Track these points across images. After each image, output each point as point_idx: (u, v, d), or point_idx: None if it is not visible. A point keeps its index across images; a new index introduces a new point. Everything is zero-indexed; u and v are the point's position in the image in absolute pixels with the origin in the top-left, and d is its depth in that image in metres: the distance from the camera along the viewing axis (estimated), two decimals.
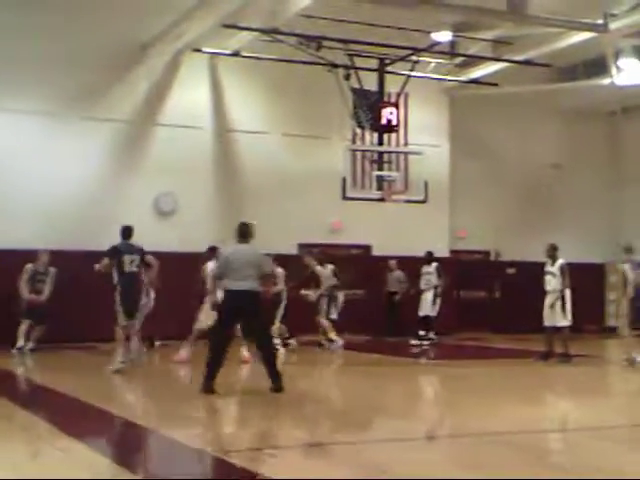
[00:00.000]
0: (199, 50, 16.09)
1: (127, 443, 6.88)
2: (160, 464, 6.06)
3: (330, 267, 15.19)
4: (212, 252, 11.90)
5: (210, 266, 11.00)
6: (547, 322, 12.83)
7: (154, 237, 15.14)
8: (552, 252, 13.08)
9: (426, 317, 16.04)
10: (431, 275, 16.13)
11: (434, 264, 16.25)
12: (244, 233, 9.14)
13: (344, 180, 14.94)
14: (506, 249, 19.92)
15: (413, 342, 15.78)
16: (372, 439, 7.00)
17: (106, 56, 15.91)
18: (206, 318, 10.97)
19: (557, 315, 12.73)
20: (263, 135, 17.20)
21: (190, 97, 16.67)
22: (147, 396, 9.85)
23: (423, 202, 15.95)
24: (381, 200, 15.65)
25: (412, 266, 16.94)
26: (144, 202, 16.23)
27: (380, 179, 15.59)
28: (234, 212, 17.02)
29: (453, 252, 19.22)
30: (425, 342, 15.70)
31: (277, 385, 8.75)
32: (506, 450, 6.33)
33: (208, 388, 8.66)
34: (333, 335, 14.81)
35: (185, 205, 16.56)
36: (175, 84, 16.62)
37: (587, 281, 18.68)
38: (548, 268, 13.00)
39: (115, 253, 10.76)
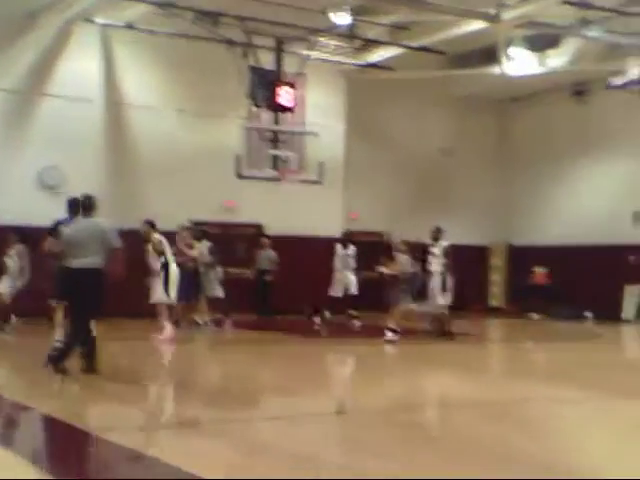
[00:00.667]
0: (91, 20, 15.54)
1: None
2: (33, 441, 5.90)
3: (206, 244, 14.58)
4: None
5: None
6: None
7: (38, 211, 14.64)
8: (436, 234, 13.42)
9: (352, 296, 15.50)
10: (349, 257, 15.72)
11: (352, 247, 15.71)
12: (87, 206, 8.61)
13: (239, 158, 14.84)
14: (398, 231, 20.29)
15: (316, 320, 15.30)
16: (259, 417, 7.03)
17: None
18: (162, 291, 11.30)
19: (437, 295, 13.11)
20: (157, 110, 16.84)
21: (80, 69, 16.07)
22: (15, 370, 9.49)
23: (318, 183, 16.08)
24: (276, 180, 15.67)
25: (305, 245, 17.04)
26: (27, 175, 15.62)
27: (275, 158, 15.58)
28: (125, 188, 16.71)
29: (345, 233, 19.40)
30: (356, 321, 15.30)
31: (91, 366, 8.33)
32: (386, 425, 6.49)
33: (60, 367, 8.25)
34: (199, 316, 14.22)
35: (72, 179, 15.99)
36: (64, 55, 15.99)
37: (472, 263, 19.38)
38: (431, 249, 13.33)
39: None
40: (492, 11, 14.99)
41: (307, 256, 17.22)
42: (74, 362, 8.41)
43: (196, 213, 17.06)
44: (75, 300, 8.51)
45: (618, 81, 17.08)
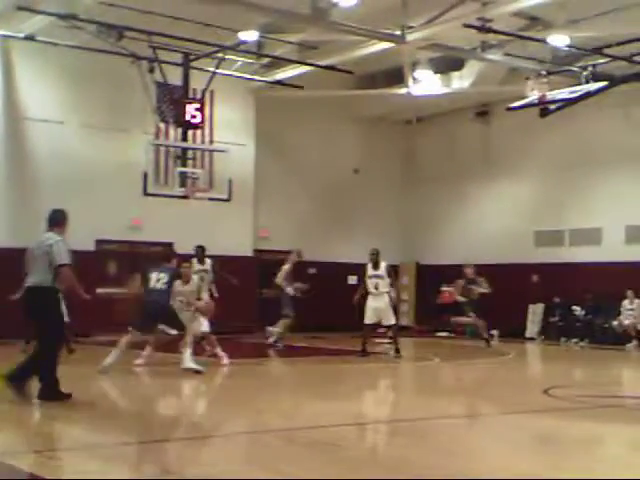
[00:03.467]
0: None
1: None
2: None
3: None
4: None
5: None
6: (369, 320, 13.41)
7: None
8: (375, 257, 13.64)
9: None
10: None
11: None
12: (51, 220, 8.20)
13: (145, 175, 14.58)
14: (308, 249, 20.32)
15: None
16: (165, 438, 6.84)
17: None
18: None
19: (388, 314, 13.43)
20: (60, 125, 16.42)
21: None
22: None
23: (227, 201, 15.96)
24: (184, 197, 15.45)
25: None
26: None
27: (183, 176, 15.40)
28: (26, 203, 16.15)
29: (257, 251, 19.37)
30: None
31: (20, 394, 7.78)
32: (299, 446, 6.42)
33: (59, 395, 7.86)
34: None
35: None
36: None
37: None
38: (372, 272, 13.50)
39: None
40: (398, 32, 15.32)
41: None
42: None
43: (102, 232, 16.68)
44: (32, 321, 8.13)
45: (517, 104, 17.68)
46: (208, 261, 14.01)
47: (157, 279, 10.68)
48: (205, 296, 12.48)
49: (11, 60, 16.04)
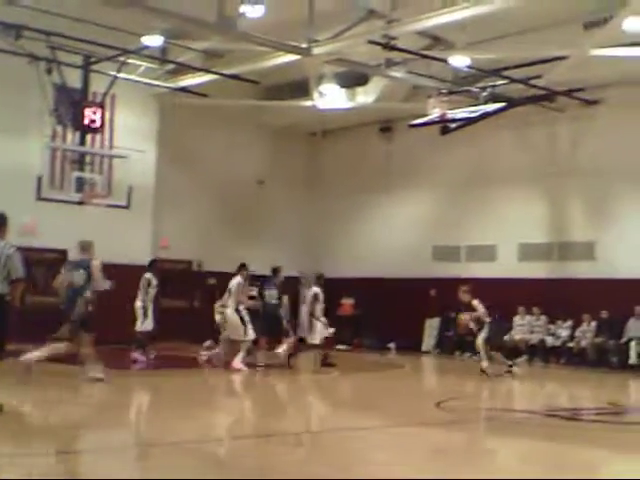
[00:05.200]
0: None
1: None
2: None
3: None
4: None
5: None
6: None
7: None
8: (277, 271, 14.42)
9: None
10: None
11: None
12: None
13: (40, 179, 14.09)
14: (208, 260, 20.10)
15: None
16: (51, 451, 6.57)
17: None
18: None
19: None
20: None
21: None
22: None
23: (126, 207, 15.60)
24: (80, 203, 15.00)
25: (115, 273, 16.33)
26: None
27: (80, 181, 14.95)
28: None
29: (154, 261, 18.92)
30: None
31: None
32: (186, 458, 6.28)
33: None
34: None
35: None
36: None
37: (289, 293, 19.45)
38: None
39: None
40: (304, 45, 15.37)
41: (117, 284, 16.52)
42: None
43: None
44: None
45: (419, 121, 18.07)
46: None
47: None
48: None
49: None
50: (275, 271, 14.55)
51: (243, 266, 13.60)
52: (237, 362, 12.88)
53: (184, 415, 8.57)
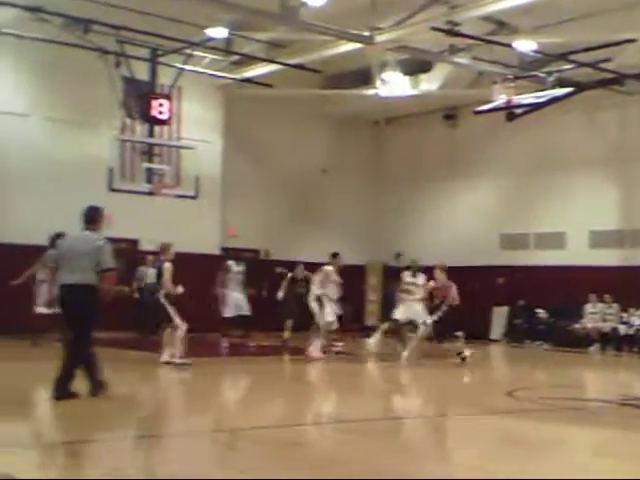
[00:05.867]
0: None
1: None
2: None
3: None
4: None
5: None
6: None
7: None
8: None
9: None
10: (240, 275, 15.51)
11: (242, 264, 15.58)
12: (87, 217, 8.01)
13: (111, 171, 14.42)
14: (275, 248, 20.28)
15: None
16: (126, 437, 6.75)
17: None
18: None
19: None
20: (24, 117, 16.14)
21: None
22: None
23: (194, 198, 15.84)
24: (150, 194, 15.30)
25: (184, 262, 16.62)
26: None
27: (150, 172, 15.24)
28: None
29: (224, 250, 19.23)
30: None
31: (60, 393, 7.74)
32: (254, 445, 6.37)
33: (61, 393, 7.70)
34: None
35: None
36: None
37: (349, 282, 19.53)
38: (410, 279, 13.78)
39: None
40: (366, 33, 15.33)
41: (186, 273, 16.79)
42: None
43: (66, 227, 16.39)
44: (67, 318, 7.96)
45: (484, 107, 17.82)
46: None
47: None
48: None
49: None
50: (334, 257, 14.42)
51: (336, 255, 13.59)
52: (313, 350, 12.95)
53: (252, 402, 8.65)
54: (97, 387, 7.89)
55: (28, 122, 16.16)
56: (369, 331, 20.53)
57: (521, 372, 13.48)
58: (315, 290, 13.29)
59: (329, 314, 13.21)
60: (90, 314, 7.91)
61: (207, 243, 18.21)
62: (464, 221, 20.52)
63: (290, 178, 20.56)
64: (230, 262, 14.90)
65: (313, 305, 13.21)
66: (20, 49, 15.51)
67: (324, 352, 13.18)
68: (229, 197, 19.29)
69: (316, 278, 13.35)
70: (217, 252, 18.76)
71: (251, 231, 19.73)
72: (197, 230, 18.06)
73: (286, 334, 14.42)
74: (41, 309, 12.72)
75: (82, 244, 7.89)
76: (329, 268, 13.42)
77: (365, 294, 22.08)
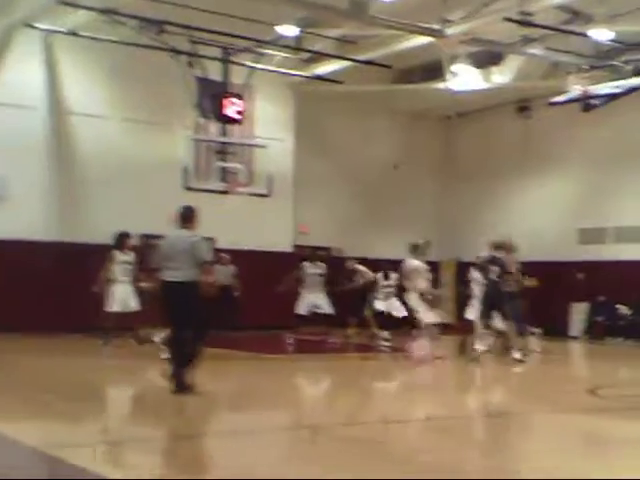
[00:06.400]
0: (32, 26, 15.21)
1: None
2: None
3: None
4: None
5: None
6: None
7: None
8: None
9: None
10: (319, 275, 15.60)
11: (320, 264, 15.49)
12: (183, 217, 8.37)
13: (186, 170, 14.65)
14: (347, 245, 20.26)
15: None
16: (210, 433, 6.84)
17: None
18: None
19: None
20: (102, 119, 16.56)
21: (23, 75, 15.80)
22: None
23: (267, 196, 15.96)
24: (224, 192, 15.49)
25: (257, 260, 16.84)
26: None
27: (223, 171, 15.43)
28: (70, 197, 16.39)
29: (296, 247, 19.33)
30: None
31: (179, 388, 7.96)
32: (337, 440, 6.36)
33: (179, 387, 7.94)
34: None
35: (16, 189, 15.64)
36: (6, 61, 15.68)
37: None
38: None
39: None
40: (437, 27, 15.18)
41: (258, 271, 16.98)
42: None
43: (142, 225, 16.77)
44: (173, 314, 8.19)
45: (560, 99, 17.43)
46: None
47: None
48: None
49: (54, 55, 16.21)
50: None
51: (418, 247, 13.59)
52: (417, 349, 12.98)
53: (331, 399, 8.67)
54: (185, 385, 7.99)
55: (105, 124, 16.57)
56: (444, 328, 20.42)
57: (602, 369, 13.13)
58: (411, 286, 13.17)
59: (427, 313, 13.06)
60: (199, 309, 8.09)
61: (279, 241, 18.33)
62: (539, 216, 20.11)
63: (361, 174, 20.53)
64: (305, 263, 14.89)
65: (414, 303, 13.02)
66: (96, 52, 15.90)
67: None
68: (301, 194, 19.38)
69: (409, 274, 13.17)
70: (289, 250, 18.87)
71: (322, 228, 19.78)
72: (269, 228, 18.21)
73: (351, 331, 14.37)
74: (113, 308, 12.96)
75: (180, 242, 8.19)
76: (417, 263, 13.20)
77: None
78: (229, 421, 7.42)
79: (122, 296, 12.75)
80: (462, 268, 21.53)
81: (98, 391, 9.08)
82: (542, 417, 7.90)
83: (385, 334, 14.15)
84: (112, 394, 9.34)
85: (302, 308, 14.71)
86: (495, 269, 12.53)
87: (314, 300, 14.71)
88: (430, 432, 6.86)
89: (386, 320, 14.47)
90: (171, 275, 8.07)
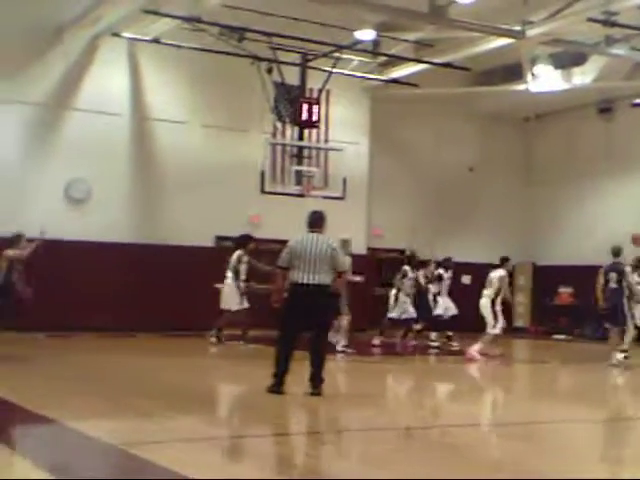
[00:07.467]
0: (118, 35, 15.70)
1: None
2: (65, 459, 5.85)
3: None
4: None
5: None
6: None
7: (65, 224, 14.96)
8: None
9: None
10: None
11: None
12: (314, 221, 8.49)
13: (263, 174, 14.87)
14: (421, 248, 20.16)
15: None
16: (281, 433, 6.96)
17: (20, 38, 15.40)
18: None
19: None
20: (182, 125, 16.95)
21: (107, 82, 16.29)
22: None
23: (342, 199, 16.04)
24: (300, 195, 15.64)
25: None
26: (55, 189, 15.82)
27: (299, 174, 15.59)
28: (150, 201, 16.86)
29: (370, 249, 19.38)
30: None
31: (317, 390, 8.15)
32: (401, 443, 6.40)
33: (274, 388, 8.16)
34: None
35: (99, 193, 16.19)
36: (92, 68, 16.20)
37: None
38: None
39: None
40: (517, 28, 14.98)
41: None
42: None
43: (221, 228, 17.12)
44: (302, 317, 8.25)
45: None
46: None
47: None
48: None
49: (138, 62, 16.68)
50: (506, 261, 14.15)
51: (506, 259, 13.65)
52: (473, 351, 12.99)
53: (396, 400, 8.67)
54: (318, 386, 8.16)
55: (186, 129, 16.96)
56: (518, 332, 20.13)
57: None
58: (489, 294, 13.17)
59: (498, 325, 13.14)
60: (331, 313, 8.33)
61: (354, 243, 18.34)
62: (619, 218, 19.53)
63: (436, 177, 20.40)
64: (406, 267, 15.04)
65: (487, 312, 13.09)
66: (178, 59, 16.28)
67: (483, 354, 13.02)
68: (375, 197, 19.40)
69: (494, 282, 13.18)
70: (364, 252, 18.91)
71: (396, 231, 19.73)
72: (344, 231, 18.19)
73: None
74: (232, 306, 13.51)
75: (318, 246, 8.21)
76: (502, 272, 13.28)
77: (513, 295, 21.53)
78: (298, 421, 7.51)
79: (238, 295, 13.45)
80: (538, 271, 21.27)
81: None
82: (615, 424, 7.74)
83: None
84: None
85: (395, 312, 14.84)
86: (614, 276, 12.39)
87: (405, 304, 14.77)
88: (512, 439, 6.79)
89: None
90: (308, 277, 8.10)
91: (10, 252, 11.31)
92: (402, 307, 14.57)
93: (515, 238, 21.15)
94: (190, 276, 16.13)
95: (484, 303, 13.14)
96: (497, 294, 13.03)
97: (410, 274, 14.81)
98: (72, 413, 7.09)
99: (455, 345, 14.66)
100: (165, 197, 16.91)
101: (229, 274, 13.77)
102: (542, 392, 10.63)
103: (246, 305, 13.58)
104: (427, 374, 12.33)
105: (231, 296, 13.62)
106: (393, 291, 14.84)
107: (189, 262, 16.36)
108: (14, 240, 11.55)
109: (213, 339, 13.75)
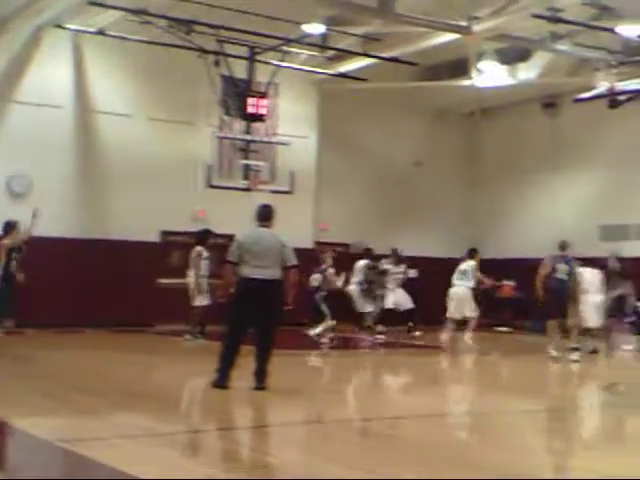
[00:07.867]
0: (62, 26, 15.37)
1: None
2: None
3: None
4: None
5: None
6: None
7: (5, 218, 14.57)
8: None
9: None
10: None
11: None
12: (262, 215, 8.49)
13: (210, 168, 14.75)
14: (369, 242, 20.26)
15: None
16: (230, 427, 6.92)
17: None
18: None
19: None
20: (127, 118, 16.69)
21: (50, 74, 15.95)
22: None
23: (289, 193, 16.03)
24: (247, 190, 15.59)
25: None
26: None
27: (246, 168, 15.52)
28: (95, 196, 16.58)
29: (317, 243, 19.39)
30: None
31: (262, 384, 8.17)
32: (350, 434, 6.41)
33: (219, 383, 8.11)
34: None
35: (40, 187, 15.84)
36: (34, 61, 15.84)
37: (441, 275, 19.33)
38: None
39: None
40: (464, 23, 15.11)
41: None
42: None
43: (166, 223, 16.95)
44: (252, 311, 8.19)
45: (586, 95, 17.31)
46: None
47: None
48: None
49: (82, 54, 16.36)
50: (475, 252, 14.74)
51: (475, 251, 14.46)
52: (467, 338, 13.68)
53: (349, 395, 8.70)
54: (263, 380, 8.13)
55: (131, 122, 16.71)
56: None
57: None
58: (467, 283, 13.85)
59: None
60: (280, 308, 8.22)
61: (301, 237, 18.34)
62: (562, 212, 19.93)
63: (384, 171, 20.48)
64: (387, 266, 15.69)
65: (468, 300, 13.93)
66: (123, 51, 16.03)
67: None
68: (323, 191, 19.42)
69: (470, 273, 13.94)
70: (310, 246, 18.92)
71: (343, 225, 19.78)
72: (291, 224, 18.14)
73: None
74: (201, 302, 13.52)
75: (267, 241, 8.21)
76: (474, 263, 13.99)
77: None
78: (246, 415, 7.49)
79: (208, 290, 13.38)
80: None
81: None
82: (542, 415, 7.86)
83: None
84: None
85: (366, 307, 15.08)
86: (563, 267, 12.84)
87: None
88: (457, 430, 6.85)
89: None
90: (258, 272, 8.06)
91: (7, 241, 11.17)
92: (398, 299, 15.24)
93: (460, 232, 21.38)
94: (135, 271, 15.95)
95: (464, 292, 13.64)
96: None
97: (394, 269, 15.17)
98: (16, 410, 6.94)
99: (417, 334, 15.01)
100: (109, 191, 16.64)
101: (190, 271, 13.67)
102: (484, 384, 10.79)
103: (206, 302, 13.45)
104: (374, 367, 12.37)
105: (193, 292, 13.56)
106: (352, 286, 15.08)
107: (134, 257, 16.17)
108: (8, 229, 11.44)
109: (188, 336, 13.59)
